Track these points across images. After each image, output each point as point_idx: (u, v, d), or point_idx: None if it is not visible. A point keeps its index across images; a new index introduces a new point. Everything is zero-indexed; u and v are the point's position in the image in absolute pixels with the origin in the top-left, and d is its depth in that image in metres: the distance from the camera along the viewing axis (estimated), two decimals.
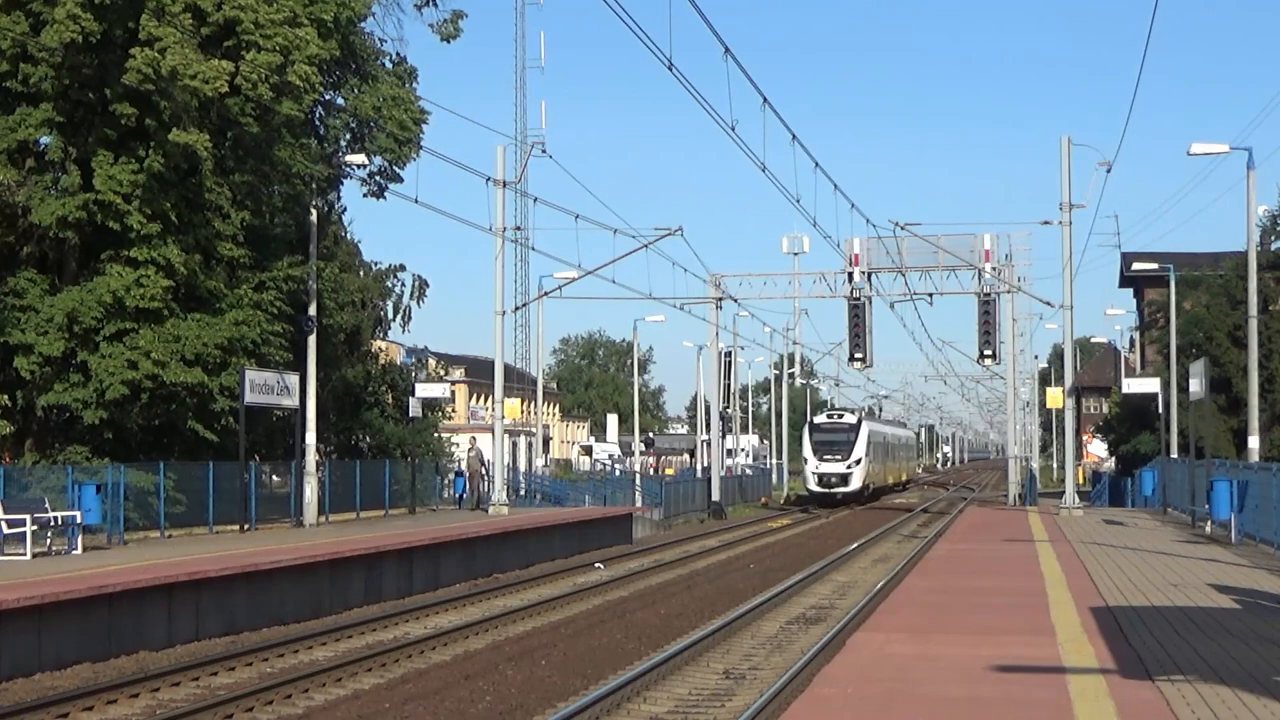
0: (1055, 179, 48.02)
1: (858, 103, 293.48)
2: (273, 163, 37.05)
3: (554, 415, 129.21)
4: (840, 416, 76.08)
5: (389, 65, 42.46)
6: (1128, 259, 67.30)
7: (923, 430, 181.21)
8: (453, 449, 59.27)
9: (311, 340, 38.45)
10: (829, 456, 70.77)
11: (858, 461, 71.00)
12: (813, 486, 72.03)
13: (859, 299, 56.80)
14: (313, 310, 38.56)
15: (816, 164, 40.21)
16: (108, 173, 33.00)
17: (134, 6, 31.69)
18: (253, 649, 21.22)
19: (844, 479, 70.76)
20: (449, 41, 42.27)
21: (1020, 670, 14.52)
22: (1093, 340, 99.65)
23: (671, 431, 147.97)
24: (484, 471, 48.74)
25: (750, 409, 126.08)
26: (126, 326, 33.62)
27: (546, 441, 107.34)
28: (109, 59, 32.73)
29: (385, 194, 42.07)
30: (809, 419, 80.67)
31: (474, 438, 65.12)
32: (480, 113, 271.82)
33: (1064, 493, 50.56)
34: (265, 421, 40.81)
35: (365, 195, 42.49)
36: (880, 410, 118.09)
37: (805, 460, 73.02)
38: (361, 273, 49.70)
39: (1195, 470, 39.23)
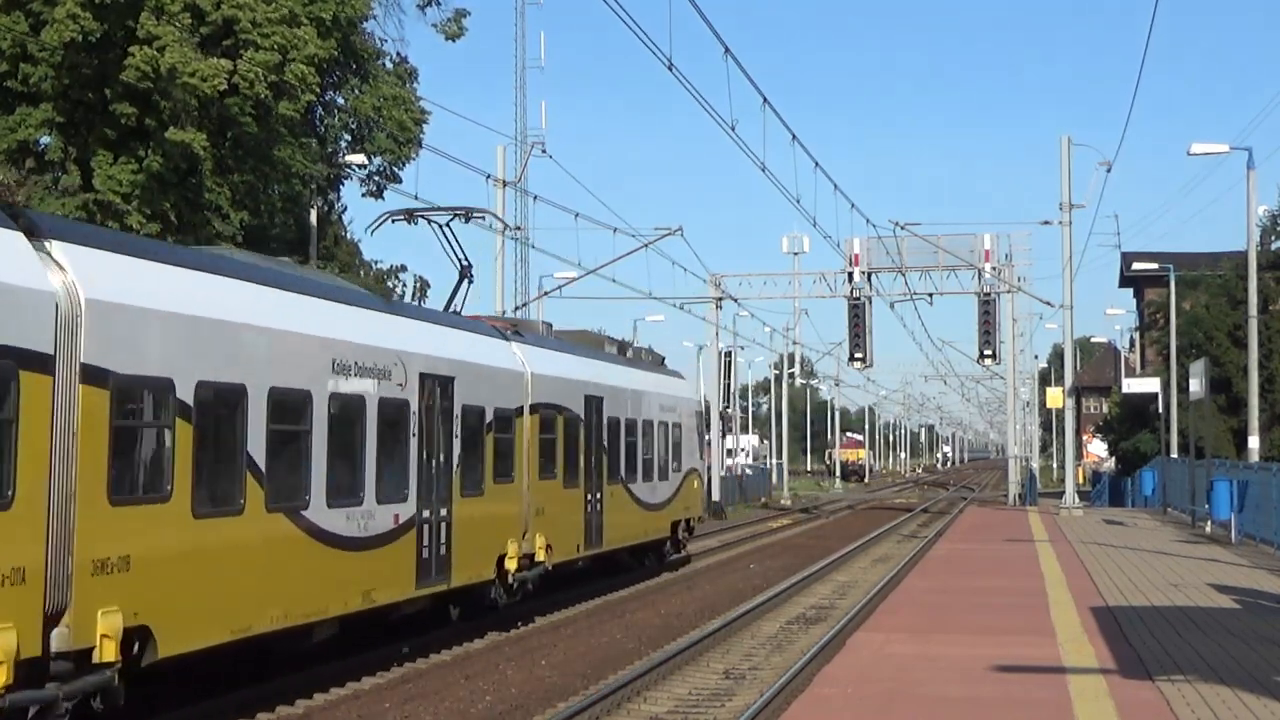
0: (1055, 179, 48.16)
1: (858, 103, 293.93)
2: (272, 163, 37.03)
3: None
4: None
5: (389, 65, 42.40)
6: (1128, 259, 67.37)
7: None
8: None
9: None
10: None
11: None
12: None
13: (859, 299, 56.80)
14: None
15: (816, 164, 40.19)
16: (107, 172, 33.02)
17: (133, 6, 31.72)
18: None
19: None
20: (454, 40, 41.79)
21: (1020, 670, 14.52)
22: (1093, 340, 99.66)
23: None
24: None
25: (750, 409, 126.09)
26: None
27: None
28: (108, 58, 32.75)
29: (384, 194, 42.08)
30: None
31: None
32: (480, 113, 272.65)
33: (1064, 493, 50.58)
34: None
35: (364, 195, 42.53)
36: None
37: None
38: (362, 273, 49.61)
39: (1195, 470, 39.24)
